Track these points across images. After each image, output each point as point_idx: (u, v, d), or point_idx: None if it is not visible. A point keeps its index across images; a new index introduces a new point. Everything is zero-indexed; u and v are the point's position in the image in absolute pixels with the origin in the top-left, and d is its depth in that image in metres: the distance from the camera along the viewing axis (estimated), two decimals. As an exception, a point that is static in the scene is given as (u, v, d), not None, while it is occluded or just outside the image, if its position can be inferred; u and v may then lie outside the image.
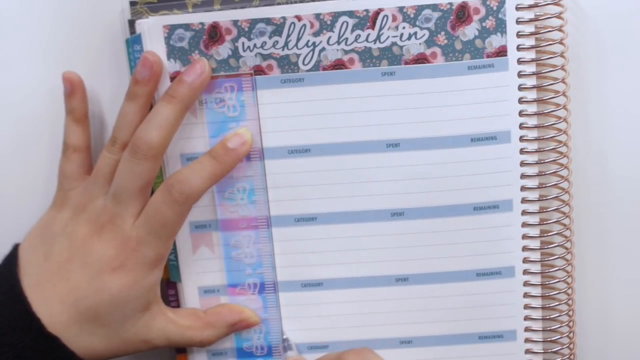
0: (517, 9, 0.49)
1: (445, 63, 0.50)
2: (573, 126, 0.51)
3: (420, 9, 0.49)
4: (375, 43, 0.50)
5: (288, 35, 0.49)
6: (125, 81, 0.50)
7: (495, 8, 0.49)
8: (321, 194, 0.52)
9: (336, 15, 0.49)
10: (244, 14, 0.49)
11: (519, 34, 0.49)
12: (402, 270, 0.52)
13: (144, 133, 0.47)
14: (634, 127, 0.53)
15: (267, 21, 0.49)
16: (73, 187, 0.50)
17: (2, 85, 0.52)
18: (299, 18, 0.49)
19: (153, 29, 0.49)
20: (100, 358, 0.49)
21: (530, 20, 0.49)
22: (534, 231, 0.52)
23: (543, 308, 0.52)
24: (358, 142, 0.51)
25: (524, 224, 0.52)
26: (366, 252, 0.52)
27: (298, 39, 0.49)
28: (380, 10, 0.49)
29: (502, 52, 0.50)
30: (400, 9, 0.49)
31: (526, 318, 0.53)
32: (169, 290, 0.53)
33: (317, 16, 0.49)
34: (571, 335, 0.53)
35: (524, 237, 0.52)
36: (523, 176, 0.51)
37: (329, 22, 0.49)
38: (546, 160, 0.51)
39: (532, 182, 0.51)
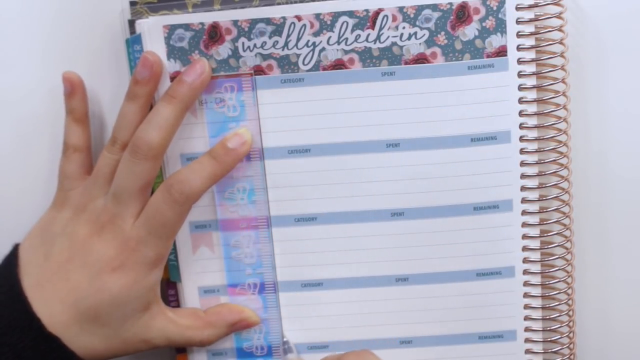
0: (517, 9, 0.49)
1: (445, 63, 0.50)
2: (573, 126, 0.51)
3: (420, 9, 0.49)
4: (375, 43, 0.50)
5: (288, 35, 0.49)
6: (125, 81, 0.50)
7: (495, 8, 0.49)
8: (321, 194, 0.52)
9: (336, 15, 0.49)
10: (244, 14, 0.49)
11: (519, 34, 0.49)
12: (402, 270, 0.52)
13: (144, 133, 0.47)
14: (634, 127, 0.53)
15: (267, 21, 0.49)
16: (73, 187, 0.50)
17: (2, 85, 0.52)
18: (299, 18, 0.49)
19: (153, 29, 0.49)
20: (100, 358, 0.49)
21: (530, 20, 0.49)
22: (534, 231, 0.52)
23: (543, 308, 0.52)
24: (358, 142, 0.51)
25: (524, 224, 0.52)
26: (366, 252, 0.52)
27: (298, 39, 0.49)
28: (380, 10, 0.49)
29: (502, 52, 0.50)
30: (400, 9, 0.49)
31: (526, 318, 0.53)
32: (169, 290, 0.53)
33: (317, 16, 0.49)
34: (571, 335, 0.53)
35: (524, 237, 0.52)
36: (523, 176, 0.51)
37: (329, 22, 0.49)
38: (546, 160, 0.51)
39: (532, 182, 0.51)
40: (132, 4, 0.50)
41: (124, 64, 0.51)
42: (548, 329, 0.53)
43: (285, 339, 0.53)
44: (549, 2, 0.49)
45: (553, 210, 0.51)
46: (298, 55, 0.50)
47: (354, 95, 0.50)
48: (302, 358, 0.53)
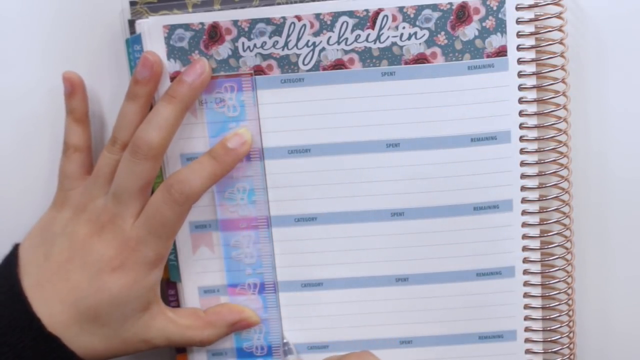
0: (517, 9, 0.49)
1: (445, 63, 0.50)
2: (573, 126, 0.51)
3: (420, 9, 0.49)
4: (375, 43, 0.50)
5: (288, 35, 0.49)
6: (125, 81, 0.50)
7: (495, 8, 0.49)
8: (321, 194, 0.52)
9: (336, 15, 0.49)
10: (244, 14, 0.49)
11: (519, 34, 0.49)
12: (402, 270, 0.52)
13: (144, 133, 0.47)
14: (634, 127, 0.53)
15: (267, 21, 0.49)
16: (73, 187, 0.50)
17: (3, 85, 0.52)
18: (299, 18, 0.49)
19: (153, 29, 0.49)
20: (100, 358, 0.49)
21: (530, 20, 0.49)
22: (534, 231, 0.52)
23: (543, 308, 0.52)
24: (358, 142, 0.51)
25: (524, 224, 0.52)
26: (366, 252, 0.52)
27: (298, 39, 0.49)
28: (380, 10, 0.49)
29: (502, 52, 0.50)
30: (400, 9, 0.49)
31: (526, 318, 0.53)
32: (169, 290, 0.53)
33: (317, 16, 0.49)
34: (571, 335, 0.53)
35: (524, 237, 0.52)
36: (523, 176, 0.51)
37: (329, 22, 0.49)
38: (546, 160, 0.51)
39: (532, 182, 0.51)
40: (132, 4, 0.50)
41: (124, 64, 0.51)
42: (548, 329, 0.53)
43: (285, 340, 0.53)
44: (549, 2, 0.49)
45: (553, 210, 0.51)
46: (298, 55, 0.50)
47: (354, 95, 0.50)
48: (302, 359, 0.53)
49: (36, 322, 0.47)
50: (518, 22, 0.49)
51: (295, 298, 0.53)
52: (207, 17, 0.49)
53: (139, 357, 0.52)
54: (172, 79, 0.49)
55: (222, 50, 0.50)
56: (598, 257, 0.54)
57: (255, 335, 0.53)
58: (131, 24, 0.50)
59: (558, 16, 0.49)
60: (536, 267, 0.52)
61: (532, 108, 0.50)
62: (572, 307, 0.53)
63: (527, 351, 0.53)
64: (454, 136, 0.50)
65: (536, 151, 0.51)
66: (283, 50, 0.50)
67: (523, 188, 0.51)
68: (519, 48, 0.49)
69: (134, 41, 0.50)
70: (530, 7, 0.49)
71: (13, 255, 0.50)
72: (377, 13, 0.49)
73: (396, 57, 0.50)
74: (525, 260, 0.52)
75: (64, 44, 0.52)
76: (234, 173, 0.51)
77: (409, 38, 0.49)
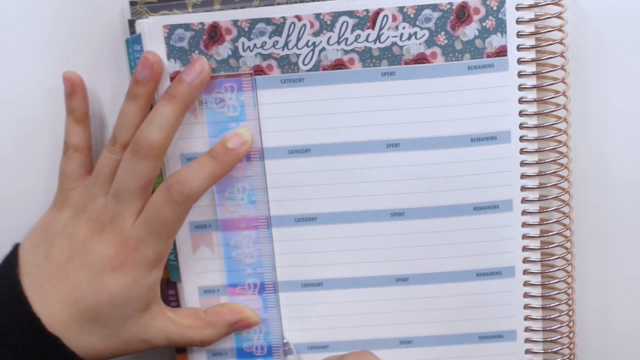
0: (517, 8, 0.49)
1: (445, 63, 0.50)
2: (573, 126, 0.51)
3: (420, 9, 0.49)
4: (375, 43, 0.50)
5: (288, 35, 0.49)
6: (125, 81, 0.50)
7: (495, 8, 0.49)
8: (321, 194, 0.52)
9: (336, 15, 0.49)
10: (244, 14, 0.49)
11: (519, 34, 0.49)
12: (402, 270, 0.52)
13: (145, 133, 0.47)
14: (634, 127, 0.53)
15: (267, 21, 0.49)
16: (74, 187, 0.50)
17: (3, 85, 0.52)
18: (299, 18, 0.49)
19: (153, 29, 0.49)
20: (100, 358, 0.49)
21: (531, 20, 0.49)
22: (534, 231, 0.52)
23: (543, 308, 0.52)
24: (358, 142, 0.51)
25: (524, 224, 0.52)
26: (366, 252, 0.52)
27: (298, 39, 0.49)
28: (380, 10, 0.49)
29: (502, 52, 0.50)
30: (400, 9, 0.49)
31: (526, 318, 0.53)
32: (169, 290, 0.53)
33: (317, 16, 0.49)
34: (571, 335, 0.53)
35: (524, 237, 0.52)
36: (523, 176, 0.51)
37: (329, 22, 0.49)
38: (546, 160, 0.51)
39: (532, 182, 0.51)
40: (132, 4, 0.50)
41: (124, 64, 0.51)
42: (548, 329, 0.53)
43: (285, 340, 0.53)
44: (549, 2, 0.49)
45: (553, 210, 0.51)
46: (298, 55, 0.50)
47: (354, 95, 0.50)
48: (302, 359, 0.53)
49: (36, 322, 0.47)
50: (518, 22, 0.49)
51: (295, 298, 0.53)
52: (207, 17, 0.49)
53: (139, 357, 0.52)
54: (172, 79, 0.49)
55: (222, 50, 0.50)
56: (598, 257, 0.54)
57: (255, 335, 0.53)
58: (131, 24, 0.50)
59: (558, 16, 0.49)
60: (536, 267, 0.52)
61: (532, 108, 0.50)
62: (572, 307, 0.53)
63: (527, 351, 0.53)
64: (454, 136, 0.50)
65: (536, 151, 0.51)
66: (283, 50, 0.50)
67: (523, 188, 0.51)
68: (519, 48, 0.49)
69: (134, 41, 0.50)
70: (530, 7, 0.49)
71: (13, 255, 0.50)
72: (377, 13, 0.49)
73: (396, 57, 0.50)
74: (525, 260, 0.52)
75: (63, 44, 0.52)
76: (234, 173, 0.51)
77: (409, 38, 0.49)
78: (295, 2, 0.49)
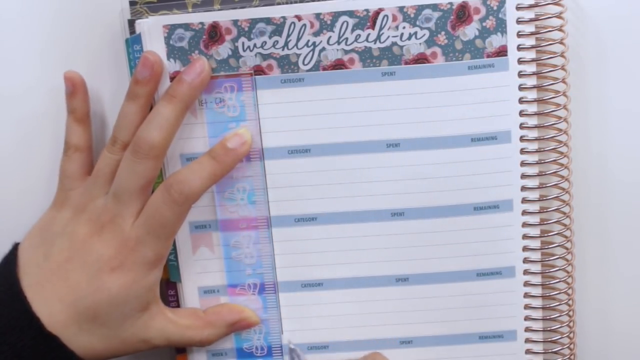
0: (518, 8, 0.49)
1: (446, 63, 0.50)
2: (573, 126, 0.51)
3: (420, 8, 0.49)
4: (375, 43, 0.49)
5: (288, 35, 0.49)
6: (125, 81, 0.50)
7: (495, 8, 0.49)
8: (321, 194, 0.52)
9: (336, 15, 0.49)
10: (244, 14, 0.49)
11: (519, 33, 0.49)
12: (403, 270, 0.52)
13: (145, 133, 0.47)
14: (634, 127, 0.53)
15: (267, 21, 0.49)
16: (74, 187, 0.50)
17: (3, 84, 0.52)
18: (299, 18, 0.49)
19: (153, 29, 0.49)
20: (99, 358, 0.49)
21: (531, 20, 0.49)
22: (535, 231, 0.52)
23: (543, 308, 0.52)
24: (358, 142, 0.51)
25: (525, 224, 0.52)
26: (366, 252, 0.52)
27: (298, 39, 0.49)
28: (381, 10, 0.49)
29: (502, 52, 0.49)
30: (401, 8, 0.49)
31: (526, 318, 0.53)
32: (169, 290, 0.53)
33: (317, 16, 0.49)
34: (571, 335, 0.53)
35: (525, 237, 0.52)
36: (523, 176, 0.51)
37: (329, 22, 0.49)
38: (546, 160, 0.51)
39: (533, 182, 0.51)
40: (132, 3, 0.50)
41: (124, 64, 0.51)
42: (548, 329, 0.53)
43: (292, 346, 0.53)
44: (549, 2, 0.49)
45: (553, 210, 0.51)
46: (298, 55, 0.50)
47: (354, 95, 0.50)
48: None
49: (36, 322, 0.47)
50: (518, 21, 0.49)
51: (295, 298, 0.53)
52: (207, 17, 0.49)
53: (139, 357, 0.52)
54: (172, 79, 0.49)
55: (222, 50, 0.50)
56: (598, 257, 0.54)
57: (255, 336, 0.53)
58: (131, 23, 0.50)
59: (558, 16, 0.49)
60: (536, 267, 0.52)
61: (532, 108, 0.50)
62: (573, 307, 0.53)
63: (528, 351, 0.53)
64: (454, 136, 0.50)
65: (536, 151, 0.51)
66: (283, 50, 0.50)
67: (523, 188, 0.51)
68: (519, 48, 0.49)
69: (133, 41, 0.50)
70: (531, 6, 0.49)
71: (12, 255, 0.50)
72: (377, 13, 0.49)
73: (396, 57, 0.50)
74: (525, 260, 0.52)
75: (63, 44, 0.52)
76: (234, 173, 0.51)
77: (409, 38, 0.49)
78: (295, 2, 0.49)
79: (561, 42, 0.50)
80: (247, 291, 0.53)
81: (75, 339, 0.48)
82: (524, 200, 0.51)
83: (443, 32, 0.49)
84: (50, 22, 0.52)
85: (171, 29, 0.49)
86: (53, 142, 0.53)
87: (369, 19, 0.49)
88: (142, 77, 0.48)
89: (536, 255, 0.52)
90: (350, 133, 0.51)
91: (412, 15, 0.49)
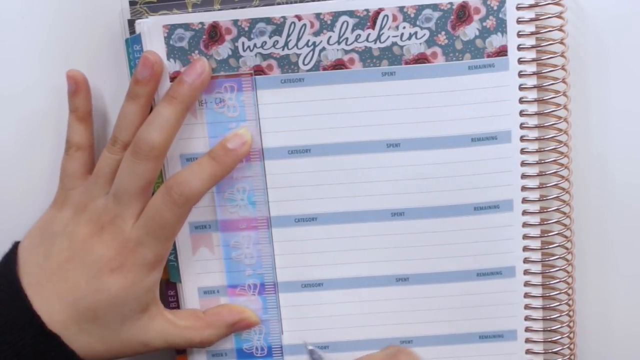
0: (518, 8, 0.49)
1: (446, 63, 0.50)
2: (573, 126, 0.51)
3: (420, 8, 0.49)
4: (375, 43, 0.49)
5: (288, 35, 0.49)
6: (125, 81, 0.50)
7: (495, 8, 0.49)
8: (321, 194, 0.51)
9: (336, 15, 0.49)
10: (244, 14, 0.49)
11: (520, 33, 0.49)
12: (403, 270, 0.52)
13: (146, 134, 0.47)
14: (634, 127, 0.53)
15: (267, 21, 0.49)
16: (74, 186, 0.50)
17: (4, 84, 0.52)
18: (299, 18, 0.49)
19: (153, 29, 0.49)
20: (99, 359, 0.49)
21: (531, 20, 0.49)
22: (535, 231, 0.52)
23: (543, 308, 0.52)
24: (358, 142, 0.51)
25: (525, 224, 0.52)
26: (366, 252, 0.52)
27: (298, 39, 0.49)
28: (381, 10, 0.49)
29: (502, 51, 0.49)
30: (401, 8, 0.49)
31: (527, 318, 0.53)
32: (169, 290, 0.53)
33: (317, 16, 0.49)
34: (572, 335, 0.53)
35: (525, 237, 0.52)
36: (524, 176, 0.51)
37: (329, 22, 0.49)
38: (547, 160, 0.51)
39: (533, 182, 0.51)
40: (131, 3, 0.50)
41: (124, 64, 0.51)
42: (548, 329, 0.53)
43: (310, 347, 0.52)
44: (549, 2, 0.49)
45: (553, 210, 0.51)
46: (298, 55, 0.50)
47: (354, 95, 0.50)
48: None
49: (36, 320, 0.47)
50: (518, 21, 0.49)
51: (296, 298, 0.53)
52: (207, 17, 0.49)
53: (139, 358, 0.52)
54: (172, 79, 0.49)
55: (222, 50, 0.50)
56: (598, 257, 0.54)
57: (255, 336, 0.53)
58: (131, 23, 0.50)
59: (558, 16, 0.49)
60: (537, 267, 0.52)
61: (532, 108, 0.50)
62: (573, 307, 0.53)
63: (528, 351, 0.53)
64: (454, 136, 0.50)
65: (537, 151, 0.51)
66: (283, 50, 0.50)
67: (523, 188, 0.51)
68: (519, 48, 0.49)
69: (133, 41, 0.50)
70: (531, 6, 0.49)
71: (12, 254, 0.50)
72: (378, 13, 0.49)
73: (396, 57, 0.50)
74: (525, 261, 0.52)
75: (63, 44, 0.52)
76: (234, 174, 0.51)
77: (410, 38, 0.49)
78: (296, 2, 0.49)
79: (561, 42, 0.50)
80: (247, 292, 0.53)
81: (75, 338, 0.48)
82: (524, 200, 0.51)
83: (443, 32, 0.49)
84: (50, 22, 0.52)
85: (171, 29, 0.49)
86: (53, 141, 0.52)
87: (369, 19, 0.49)
88: (142, 77, 0.48)
89: (536, 255, 0.52)
90: (351, 133, 0.51)
91: (412, 15, 0.49)
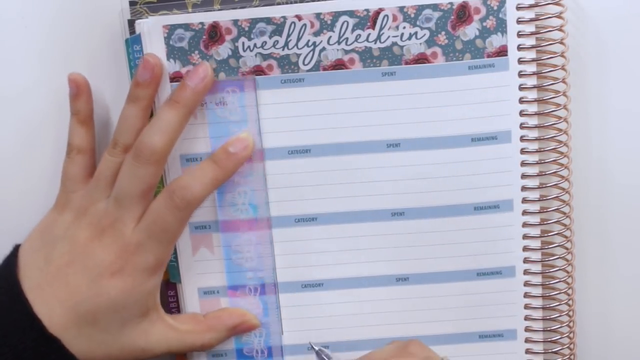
0: (518, 8, 0.49)
1: (446, 63, 0.50)
2: (573, 126, 0.51)
3: (420, 8, 0.49)
4: (375, 43, 0.49)
5: (288, 35, 0.49)
6: (125, 81, 0.50)
7: (495, 8, 0.49)
8: (321, 195, 0.51)
9: (336, 15, 0.49)
10: (244, 14, 0.49)
11: (520, 33, 0.49)
12: (403, 270, 0.52)
13: (147, 138, 0.47)
14: (634, 127, 0.53)
15: (267, 21, 0.49)
16: (75, 190, 0.50)
17: (4, 85, 0.52)
18: (299, 18, 0.49)
19: (153, 29, 0.49)
20: (99, 363, 0.49)
21: (531, 20, 0.49)
22: (535, 231, 0.52)
23: (543, 308, 0.53)
24: (358, 142, 0.51)
25: (525, 224, 0.52)
26: (366, 252, 0.52)
27: (298, 39, 0.49)
28: (381, 10, 0.49)
29: (502, 51, 0.49)
30: (401, 8, 0.49)
31: (527, 318, 0.53)
32: (169, 291, 0.53)
33: (318, 16, 0.49)
34: (571, 335, 0.53)
35: (525, 237, 0.52)
36: (524, 176, 0.51)
37: (329, 22, 0.49)
38: (547, 160, 0.51)
39: (533, 182, 0.51)
40: (131, 4, 0.49)
41: (124, 64, 0.51)
42: (548, 328, 0.53)
43: (317, 348, 0.52)
44: (549, 2, 0.49)
45: (553, 210, 0.51)
46: (298, 55, 0.50)
47: (354, 95, 0.50)
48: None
49: (37, 323, 0.47)
50: (518, 21, 0.49)
51: (296, 299, 0.53)
52: (207, 17, 0.49)
53: (139, 358, 0.52)
54: (172, 79, 0.49)
55: (222, 50, 0.49)
56: (598, 257, 0.54)
57: (256, 337, 0.53)
58: (131, 23, 0.50)
59: (558, 16, 0.49)
60: (536, 267, 0.52)
61: (532, 108, 0.50)
62: (573, 307, 0.53)
63: (528, 351, 0.53)
64: (454, 136, 0.50)
65: (537, 151, 0.51)
66: (283, 50, 0.50)
67: (523, 188, 0.51)
68: (519, 48, 0.49)
69: (133, 41, 0.50)
70: (531, 6, 0.49)
71: (13, 257, 0.49)
72: (378, 13, 0.49)
73: (396, 57, 0.50)
74: (525, 260, 0.52)
75: (63, 44, 0.52)
76: (234, 175, 0.50)
77: (410, 38, 0.49)
78: (296, 2, 0.49)
79: (561, 42, 0.50)
80: (248, 292, 0.53)
81: (75, 342, 0.47)
82: (524, 200, 0.51)
83: (443, 32, 0.49)
84: (50, 22, 0.52)
85: (171, 29, 0.49)
86: (53, 142, 0.52)
87: (369, 19, 0.49)
88: (142, 80, 0.48)
89: (536, 255, 0.52)
90: (351, 133, 0.51)
91: (413, 15, 0.49)
